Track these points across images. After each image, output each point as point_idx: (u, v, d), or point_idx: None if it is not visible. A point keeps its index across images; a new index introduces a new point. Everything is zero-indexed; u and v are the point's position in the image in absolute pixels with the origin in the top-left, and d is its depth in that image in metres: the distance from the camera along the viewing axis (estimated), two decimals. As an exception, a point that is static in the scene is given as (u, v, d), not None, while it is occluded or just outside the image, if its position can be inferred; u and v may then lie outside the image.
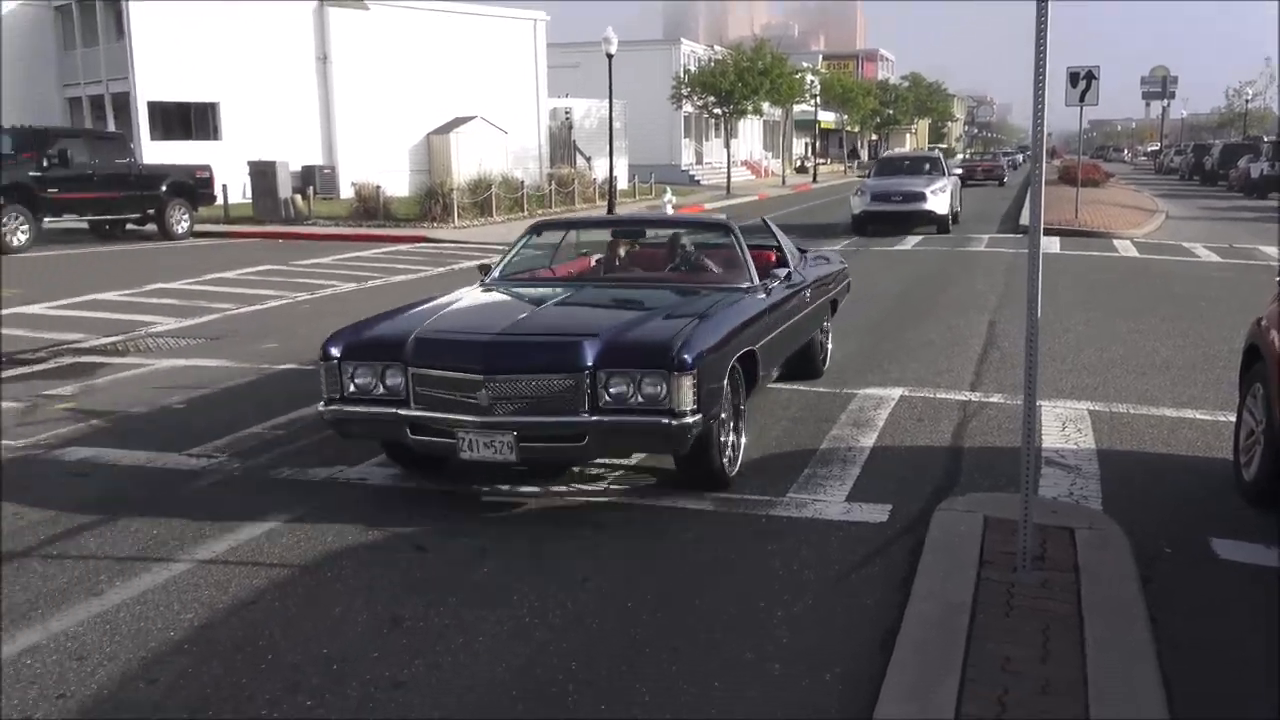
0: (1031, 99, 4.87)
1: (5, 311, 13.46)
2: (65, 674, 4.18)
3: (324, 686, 4.07)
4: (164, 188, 24.78)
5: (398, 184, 35.94)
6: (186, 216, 25.32)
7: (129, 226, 25.28)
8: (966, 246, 21.70)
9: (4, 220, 21.04)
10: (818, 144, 75.69)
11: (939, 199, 24.50)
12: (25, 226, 21.53)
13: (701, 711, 3.89)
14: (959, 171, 33.32)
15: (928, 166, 27.39)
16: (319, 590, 4.97)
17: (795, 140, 76.70)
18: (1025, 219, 25.01)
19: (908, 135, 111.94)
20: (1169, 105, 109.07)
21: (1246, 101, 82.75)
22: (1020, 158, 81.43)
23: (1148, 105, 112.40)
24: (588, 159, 45.20)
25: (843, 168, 78.43)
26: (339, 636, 4.49)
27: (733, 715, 3.87)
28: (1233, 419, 6.74)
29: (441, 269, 18.74)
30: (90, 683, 4.11)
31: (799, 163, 74.06)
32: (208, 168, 26.72)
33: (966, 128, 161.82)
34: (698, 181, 54.74)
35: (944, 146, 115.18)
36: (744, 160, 64.82)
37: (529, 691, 4.04)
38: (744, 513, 5.97)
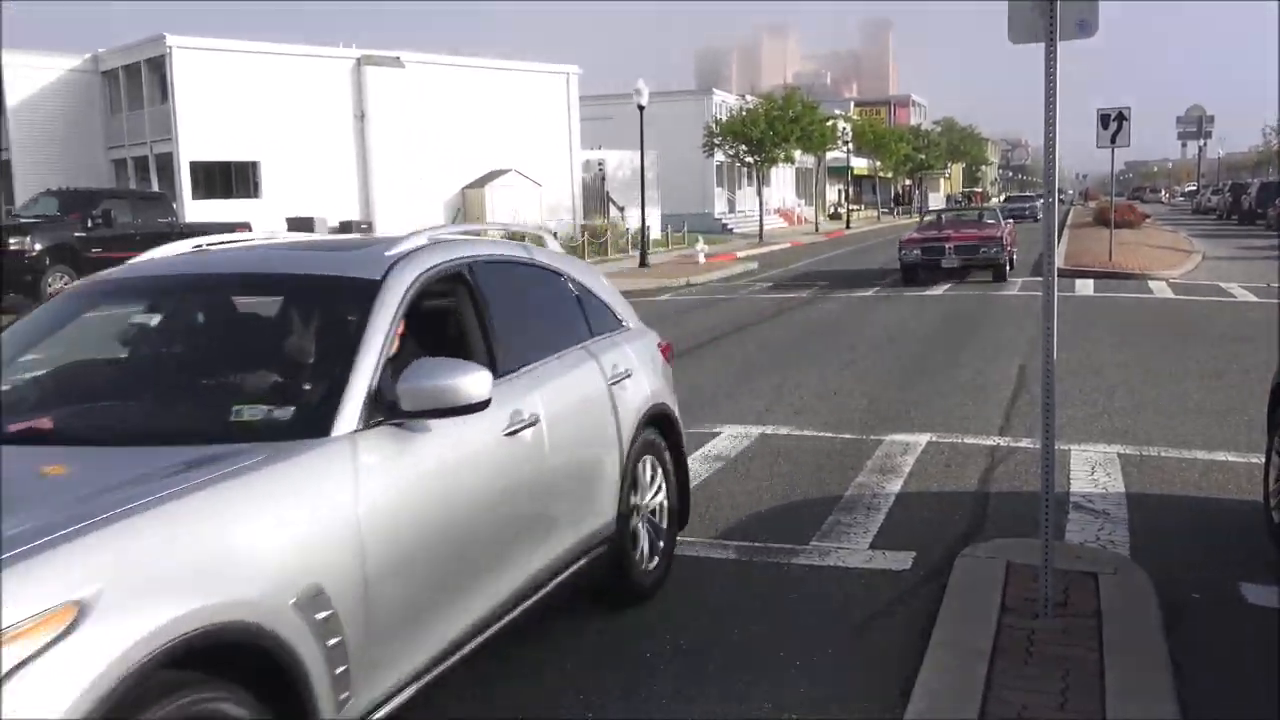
0: (1056, 143, 4.90)
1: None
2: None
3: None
4: (204, 246, 25.23)
5: (433, 238, 36.38)
6: (226, 273, 25.75)
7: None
8: (1000, 290, 21.62)
9: (49, 280, 21.53)
10: (851, 190, 75.84)
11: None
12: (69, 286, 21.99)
13: (716, 762, 3.88)
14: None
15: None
16: None
17: (829, 187, 76.98)
18: (1060, 261, 24.89)
19: (941, 180, 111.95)
20: (1205, 144, 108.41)
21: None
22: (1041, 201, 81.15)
23: (1184, 145, 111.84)
24: (621, 209, 45.62)
25: (876, 214, 78.48)
26: None
27: (748, 766, 3.86)
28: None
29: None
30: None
31: (832, 209, 74.23)
32: (247, 225, 27.16)
33: (1001, 171, 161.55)
34: (730, 230, 55.00)
35: (979, 190, 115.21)
36: (777, 208, 65.07)
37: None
38: (767, 560, 5.96)
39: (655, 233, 42.34)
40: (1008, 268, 23.45)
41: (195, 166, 36.69)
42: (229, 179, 38.24)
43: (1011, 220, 27.39)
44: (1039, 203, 52.56)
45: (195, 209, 34.37)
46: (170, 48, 35.96)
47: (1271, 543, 6.08)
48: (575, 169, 47.50)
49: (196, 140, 36.27)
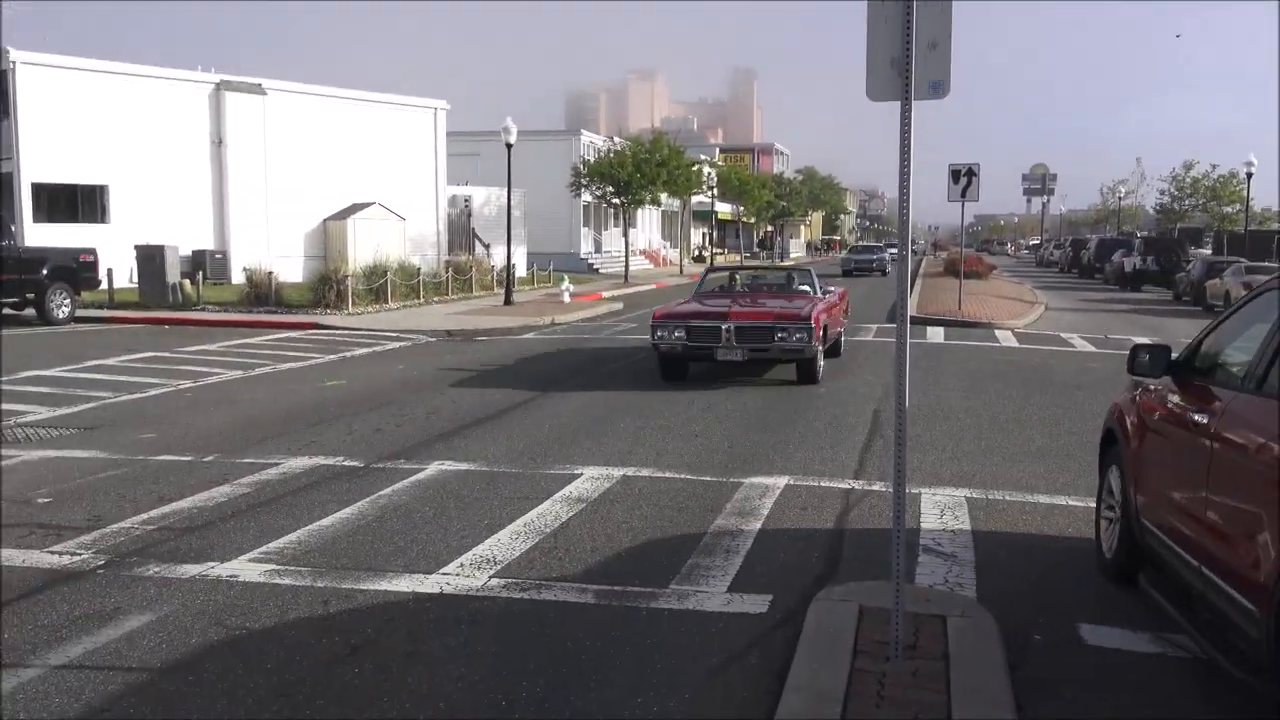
0: (910, 195, 5.06)
1: None
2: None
3: (176, 798, 3.87)
4: (45, 271, 24.04)
5: (292, 270, 35.55)
6: (68, 301, 24.57)
7: (6, 311, 24.41)
8: (856, 336, 22.22)
9: None
10: (715, 234, 77.16)
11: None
12: (-107, 310, 20.66)
13: (571, 814, 3.81)
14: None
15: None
16: (177, 696, 4.76)
17: (693, 230, 78.13)
18: (913, 309, 25.74)
19: (802, 226, 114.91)
20: (1049, 201, 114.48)
21: (1120, 199, 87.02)
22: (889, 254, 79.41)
23: (1029, 200, 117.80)
24: (486, 246, 45.36)
25: (739, 257, 79.99)
26: (196, 743, 4.29)
27: (602, 817, 3.80)
28: (1100, 506, 6.98)
29: (332, 356, 18.47)
30: (-80, 801, 3.85)
31: (697, 252, 75.32)
32: (93, 251, 26.04)
33: (859, 220, 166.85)
34: (596, 270, 55.28)
35: (838, 238, 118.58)
36: (642, 249, 65.71)
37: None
38: (625, 605, 5.93)
39: (521, 270, 42.16)
40: (819, 363, 14.93)
41: (38, 188, 34.95)
42: (75, 202, 36.54)
43: (833, 291, 17.73)
44: (888, 254, 52.86)
45: (37, 232, 32.68)
46: (13, 63, 34.26)
47: (1102, 575, 6.41)
48: (441, 204, 47.07)
49: (39, 160, 34.60)
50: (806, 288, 16.97)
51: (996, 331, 23.52)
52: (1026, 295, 36.45)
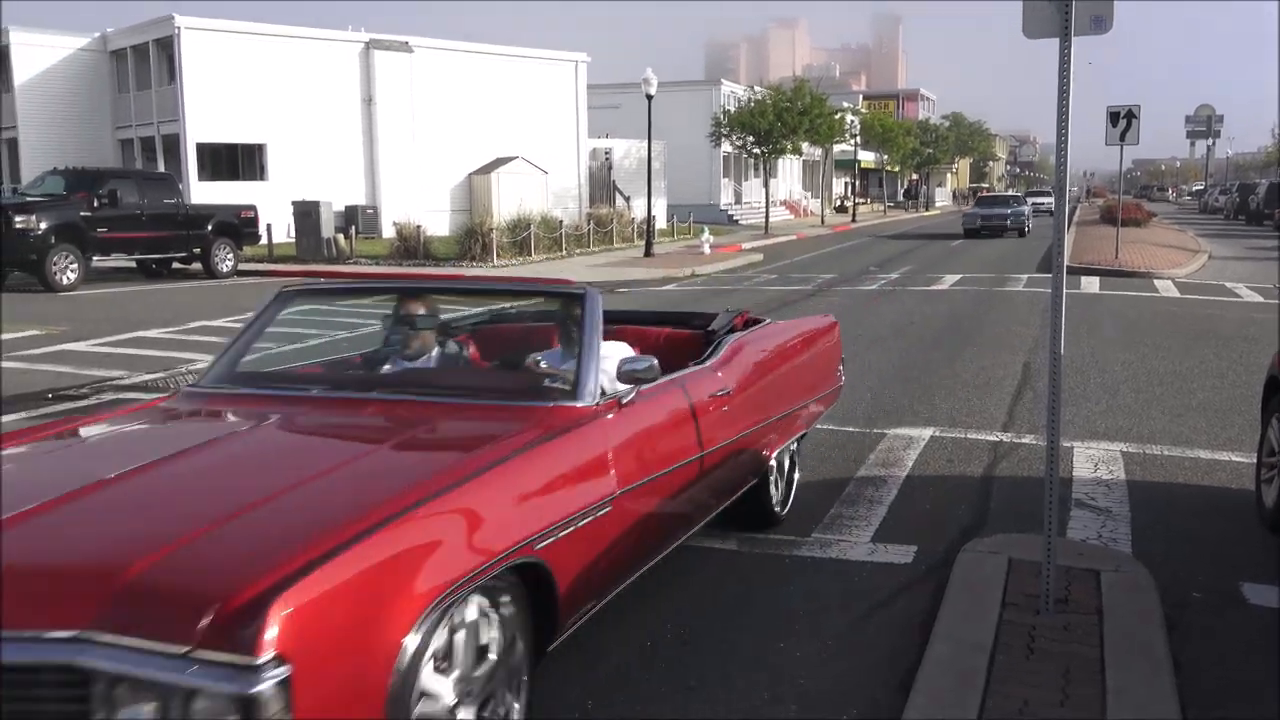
0: (1067, 137, 4.87)
1: (53, 349, 13.75)
2: None
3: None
4: (209, 227, 25.26)
5: (439, 223, 36.41)
6: (231, 256, 25.77)
7: (175, 265, 25.77)
8: (1004, 286, 21.58)
9: (54, 259, 21.56)
10: (857, 183, 75.70)
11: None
12: (74, 265, 22.04)
13: (715, 752, 3.88)
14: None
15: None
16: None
17: (835, 180, 76.81)
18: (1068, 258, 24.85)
19: (949, 174, 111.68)
20: (1214, 144, 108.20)
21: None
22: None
23: (1193, 144, 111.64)
24: (627, 199, 45.55)
25: (883, 208, 78.33)
26: None
27: (746, 756, 3.86)
28: (1268, 461, 6.67)
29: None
30: None
31: (838, 202, 74.07)
32: (253, 208, 27.22)
33: (1009, 167, 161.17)
34: (736, 221, 54.92)
35: (986, 185, 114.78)
36: (783, 200, 64.95)
37: (544, 729, 4.04)
38: (768, 553, 5.95)
39: (661, 222, 42.29)
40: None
41: (202, 148, 36.64)
42: (235, 161, 38.19)
43: (758, 340, 9.45)
44: (1027, 207, 47.27)
45: (201, 190, 34.34)
46: (179, 28, 35.88)
47: (1262, 527, 6.16)
48: (582, 157, 47.40)
49: (203, 121, 36.23)
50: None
51: (1156, 281, 22.49)
52: (1189, 243, 34.72)
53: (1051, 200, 56.36)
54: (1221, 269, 26.03)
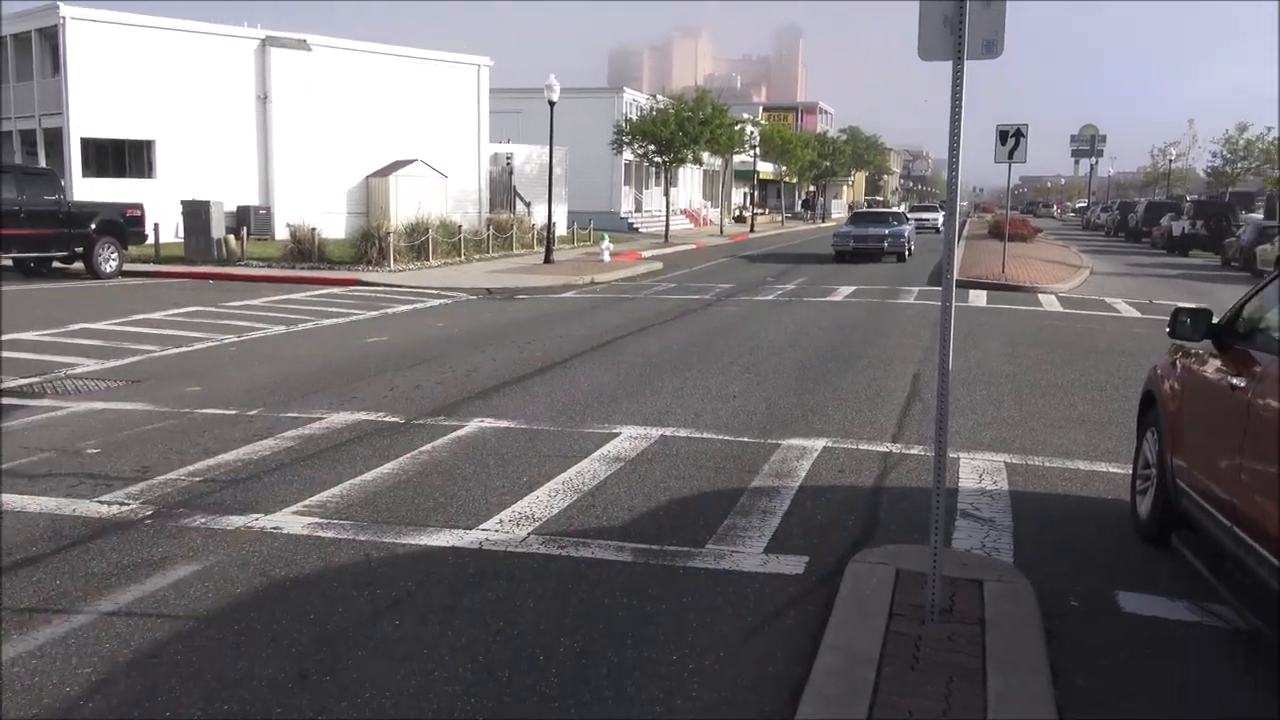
0: (958, 155, 5.00)
1: (-81, 350, 13.11)
2: (-48, 730, 4.04)
3: (222, 742, 3.97)
4: (93, 226, 24.36)
5: (334, 226, 35.74)
6: (115, 255, 24.90)
7: (56, 265, 24.80)
8: (897, 299, 22.06)
9: (-76, 256, 20.57)
10: (756, 194, 76.60)
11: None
12: (-54, 262, 21.06)
13: (606, 767, 3.86)
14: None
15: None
16: (223, 644, 4.87)
17: (735, 190, 77.65)
18: (956, 272, 25.51)
19: (845, 187, 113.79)
20: (1097, 163, 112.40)
21: (1170, 161, 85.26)
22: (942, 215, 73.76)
23: (1077, 163, 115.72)
24: (528, 204, 45.33)
25: (780, 219, 79.41)
26: (242, 692, 4.40)
27: (637, 771, 3.85)
28: (1142, 473, 6.94)
29: (374, 312, 18.62)
30: (-22, 739, 3.98)
31: (738, 212, 74.89)
32: (139, 206, 26.34)
33: (902, 181, 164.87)
34: (637, 229, 55.10)
35: (880, 199, 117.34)
36: (683, 209, 65.39)
37: (433, 747, 3.98)
38: (662, 564, 5.97)
39: (562, 229, 42.19)
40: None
41: (86, 143, 35.31)
42: (122, 157, 36.92)
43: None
44: (909, 227, 49.24)
45: (85, 187, 33.08)
46: (64, 18, 34.53)
47: (1137, 536, 6.43)
48: (483, 161, 47.03)
49: (88, 115, 34.93)
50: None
51: (1040, 295, 23.23)
52: (1072, 259, 35.94)
53: (937, 217, 58.28)
54: (1102, 284, 27.02)
